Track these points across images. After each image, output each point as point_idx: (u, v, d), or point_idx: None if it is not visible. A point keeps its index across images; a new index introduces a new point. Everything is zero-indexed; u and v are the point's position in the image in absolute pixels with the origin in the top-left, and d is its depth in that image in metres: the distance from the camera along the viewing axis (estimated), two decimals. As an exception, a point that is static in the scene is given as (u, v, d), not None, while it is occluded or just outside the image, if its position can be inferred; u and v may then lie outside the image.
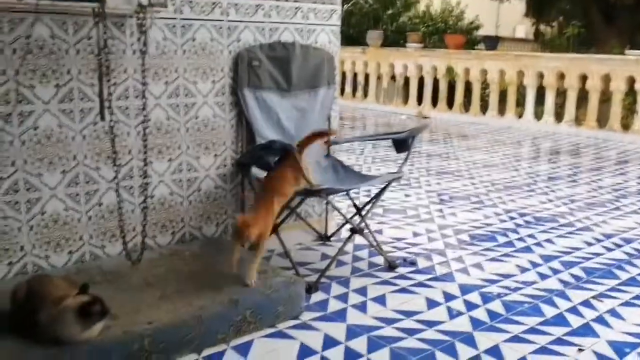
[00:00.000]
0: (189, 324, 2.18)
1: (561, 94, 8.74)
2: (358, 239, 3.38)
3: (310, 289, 2.74)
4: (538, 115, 8.69)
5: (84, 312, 1.95)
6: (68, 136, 2.56)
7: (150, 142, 2.73)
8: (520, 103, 9.05)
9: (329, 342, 2.33)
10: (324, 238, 3.51)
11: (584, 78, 8.12)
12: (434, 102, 9.88)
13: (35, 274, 2.44)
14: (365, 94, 10.98)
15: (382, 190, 3.13)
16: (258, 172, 2.99)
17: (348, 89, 11.11)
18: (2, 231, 2.47)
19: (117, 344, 2.03)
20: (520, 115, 8.93)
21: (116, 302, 2.25)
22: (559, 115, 8.53)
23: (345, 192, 3.39)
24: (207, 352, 2.22)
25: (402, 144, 3.08)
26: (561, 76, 8.36)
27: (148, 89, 2.64)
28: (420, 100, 10.09)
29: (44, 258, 2.58)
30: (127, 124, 2.70)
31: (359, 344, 2.32)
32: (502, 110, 9.20)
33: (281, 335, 2.38)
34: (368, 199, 3.41)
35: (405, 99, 10.41)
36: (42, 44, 2.44)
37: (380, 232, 3.67)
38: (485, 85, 9.73)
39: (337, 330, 2.43)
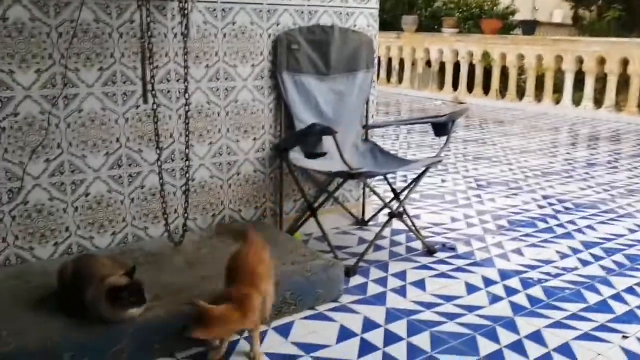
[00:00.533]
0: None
1: (600, 79, 8.51)
2: (395, 224, 3.37)
3: (349, 272, 2.74)
4: (576, 101, 8.48)
5: (112, 296, 1.95)
6: (111, 119, 2.60)
7: (191, 125, 2.76)
8: (558, 89, 8.84)
9: (369, 325, 2.33)
10: (361, 222, 3.51)
11: (624, 63, 7.88)
12: (470, 87, 9.74)
13: (82, 254, 2.50)
14: (400, 80, 10.88)
15: (421, 174, 3.10)
16: (296, 157, 3.00)
17: (382, 74, 11.02)
18: (49, 212, 2.53)
19: (162, 323, 2.07)
20: (557, 101, 8.73)
21: (159, 282, 2.30)
22: (598, 101, 8.31)
23: (382, 177, 3.38)
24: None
25: (441, 128, 3.04)
26: (601, 61, 8.13)
27: (189, 73, 2.66)
28: (455, 85, 9.96)
29: (88, 239, 2.64)
30: (168, 107, 2.73)
31: (399, 327, 2.32)
32: (539, 96, 9.01)
33: (321, 317, 2.40)
34: (404, 184, 3.39)
35: (441, 85, 10.28)
36: (87, 27, 2.48)
37: (417, 217, 3.64)
38: (521, 71, 9.53)
39: (377, 313, 2.43)
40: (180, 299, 2.18)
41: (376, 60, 3.42)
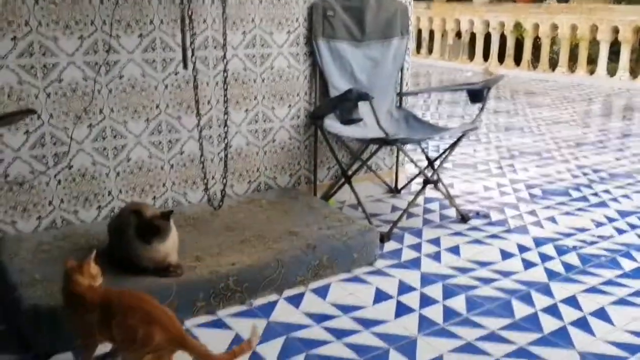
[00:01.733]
0: (270, 265, 2.27)
1: (636, 49, 8.29)
2: (428, 193, 3.38)
3: (383, 238, 2.77)
4: (611, 71, 8.28)
5: (142, 228, 2.04)
6: (151, 85, 2.65)
7: (228, 92, 2.79)
8: (592, 60, 8.64)
9: (404, 288, 2.37)
10: (394, 191, 3.53)
11: (663, 31, 7.66)
12: (501, 58, 9.57)
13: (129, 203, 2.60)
14: (430, 51, 10.75)
15: (456, 142, 3.09)
16: (331, 124, 3.02)
17: (412, 45, 10.87)
18: (92, 176, 2.61)
19: (204, 283, 2.13)
20: (591, 72, 8.54)
21: (200, 244, 2.37)
22: (634, 71, 8.11)
23: (417, 145, 3.38)
24: (287, 293, 2.31)
25: (477, 95, 3.02)
26: (637, 31, 7.91)
27: (226, 39, 2.68)
28: (486, 56, 9.80)
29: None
30: (206, 74, 2.77)
31: (434, 291, 2.36)
32: (572, 67, 8.83)
33: (357, 280, 2.44)
34: (437, 154, 3.39)
35: (471, 56, 10.12)
36: (127, -6, 2.51)
37: (451, 186, 3.64)
38: (554, 42, 9.32)
39: (412, 277, 2.47)
40: (221, 260, 2.24)
41: (411, 27, 3.39)
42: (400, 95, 3.38)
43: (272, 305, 2.21)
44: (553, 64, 9.07)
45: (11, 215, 2.46)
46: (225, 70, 2.59)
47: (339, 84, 3.05)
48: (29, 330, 1.90)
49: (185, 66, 2.55)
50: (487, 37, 9.79)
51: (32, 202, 2.49)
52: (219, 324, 2.09)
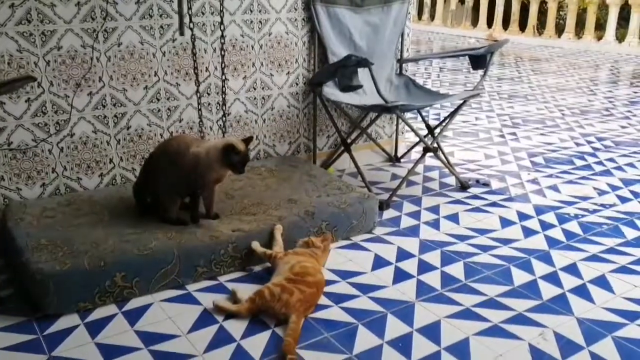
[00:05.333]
0: (270, 232, 2.27)
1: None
2: (428, 161, 3.37)
3: (383, 206, 2.77)
4: (620, 37, 8.15)
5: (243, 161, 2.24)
6: (149, 52, 2.62)
7: (226, 59, 2.77)
8: (601, 24, 8.49)
9: (403, 255, 2.38)
10: (394, 159, 3.52)
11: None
12: (505, 24, 9.42)
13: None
14: (432, 17, 10.59)
15: (457, 109, 3.07)
16: (330, 92, 2.99)
17: (413, 11, 10.72)
18: (93, 144, 2.60)
19: (204, 249, 2.15)
20: (599, 38, 8.41)
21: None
22: (643, 37, 7.98)
23: (417, 112, 3.35)
24: (286, 260, 2.31)
25: (479, 61, 2.98)
26: (648, -6, 7.76)
27: (223, 4, 2.64)
28: (490, 23, 9.64)
29: (131, 170, 2.72)
30: (204, 41, 2.73)
31: (433, 257, 2.36)
32: (579, 33, 8.69)
33: (356, 247, 2.45)
34: (437, 122, 3.37)
35: (475, 22, 9.98)
36: (122, -41, 2.47)
37: (451, 154, 3.63)
38: (560, 7, 9.16)
39: (411, 244, 2.48)
40: (221, 227, 2.25)
41: (412, -7, 3.33)
42: (401, 61, 3.34)
43: (271, 270, 2.23)
44: (559, 30, 8.93)
45: (16, 183, 2.48)
46: (222, 37, 2.56)
47: (338, 50, 3.01)
48: (36, 292, 1.93)
49: (182, 32, 2.51)
50: (492, 2, 9.63)
51: (36, 170, 2.51)
52: (220, 289, 2.11)
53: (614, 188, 3.14)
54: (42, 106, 2.45)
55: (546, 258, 2.37)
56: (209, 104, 2.83)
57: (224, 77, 2.59)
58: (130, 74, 2.61)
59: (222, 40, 2.55)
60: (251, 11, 2.84)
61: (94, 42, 2.48)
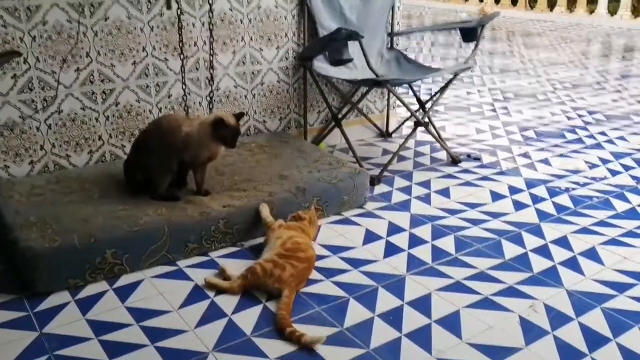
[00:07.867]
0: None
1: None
2: (419, 136, 3.36)
3: (374, 181, 2.77)
4: (612, 10, 8.11)
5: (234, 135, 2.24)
6: (137, 27, 2.58)
7: (214, 33, 2.73)
8: (593, -2, 8.45)
9: (394, 229, 2.39)
10: (385, 134, 3.50)
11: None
12: (498, -2, 9.35)
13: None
14: (424, -8, 10.47)
15: (448, 83, 3.05)
16: (320, 66, 2.96)
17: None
18: (82, 121, 2.57)
19: (195, 225, 2.14)
20: (591, 12, 8.37)
21: (190, 187, 2.36)
22: (636, 10, 7.93)
23: (407, 89, 3.33)
24: (277, 235, 2.31)
25: (470, 34, 2.95)
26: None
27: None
28: (482, -3, 9.57)
29: (120, 147, 2.69)
30: (191, 15, 2.69)
31: (423, 232, 2.37)
32: (571, 7, 8.63)
33: (347, 222, 2.45)
34: (428, 97, 3.35)
35: (467, -4, 9.89)
36: None
37: (442, 129, 3.62)
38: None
39: (402, 218, 2.48)
40: (212, 203, 2.24)
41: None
42: (392, 35, 3.30)
43: (262, 246, 2.22)
44: (551, 4, 8.87)
45: (4, 160, 2.45)
46: (211, 11, 2.51)
47: (327, 24, 2.97)
48: (26, 270, 1.92)
49: (168, 6, 2.47)
50: (485, -24, 9.54)
51: (24, 147, 2.48)
52: (211, 264, 2.10)
53: (605, 161, 3.15)
54: (28, 82, 2.41)
55: (537, 231, 2.38)
56: (198, 78, 2.80)
57: (212, 52, 2.55)
58: (118, 49, 2.57)
59: (211, 14, 2.51)
60: (239, -16, 2.79)
61: (80, 17, 2.44)
